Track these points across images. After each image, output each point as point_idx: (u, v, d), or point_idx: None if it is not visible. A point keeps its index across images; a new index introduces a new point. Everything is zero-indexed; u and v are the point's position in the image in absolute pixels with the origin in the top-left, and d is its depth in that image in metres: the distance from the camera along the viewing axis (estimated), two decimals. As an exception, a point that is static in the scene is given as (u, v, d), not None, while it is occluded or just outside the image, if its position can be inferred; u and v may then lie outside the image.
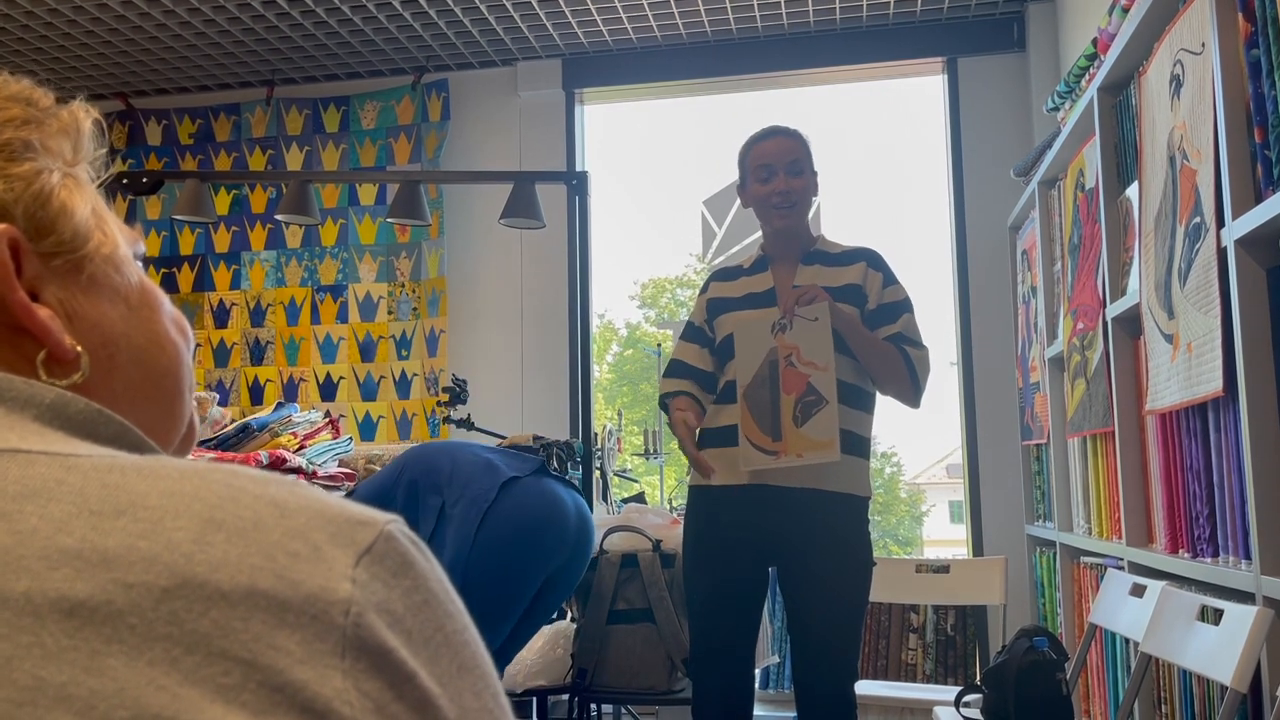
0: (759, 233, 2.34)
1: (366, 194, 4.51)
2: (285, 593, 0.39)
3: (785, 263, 2.25)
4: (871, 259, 2.21)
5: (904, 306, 2.18)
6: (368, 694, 0.39)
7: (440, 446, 2.55)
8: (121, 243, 0.57)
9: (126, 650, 0.36)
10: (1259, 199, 1.61)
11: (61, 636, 0.36)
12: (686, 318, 2.40)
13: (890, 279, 2.20)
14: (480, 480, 2.37)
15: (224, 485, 0.42)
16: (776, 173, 2.21)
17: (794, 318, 2.07)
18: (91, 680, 0.35)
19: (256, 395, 4.47)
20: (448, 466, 2.42)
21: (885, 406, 2.23)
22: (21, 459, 0.42)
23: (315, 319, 4.50)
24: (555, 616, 3.30)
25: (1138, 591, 2.06)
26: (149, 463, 0.43)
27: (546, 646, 2.97)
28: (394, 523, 0.44)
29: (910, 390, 2.15)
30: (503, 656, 2.54)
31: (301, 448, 2.82)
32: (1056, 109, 3.11)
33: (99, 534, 0.38)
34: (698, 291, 2.39)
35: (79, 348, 0.51)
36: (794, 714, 2.20)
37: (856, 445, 2.15)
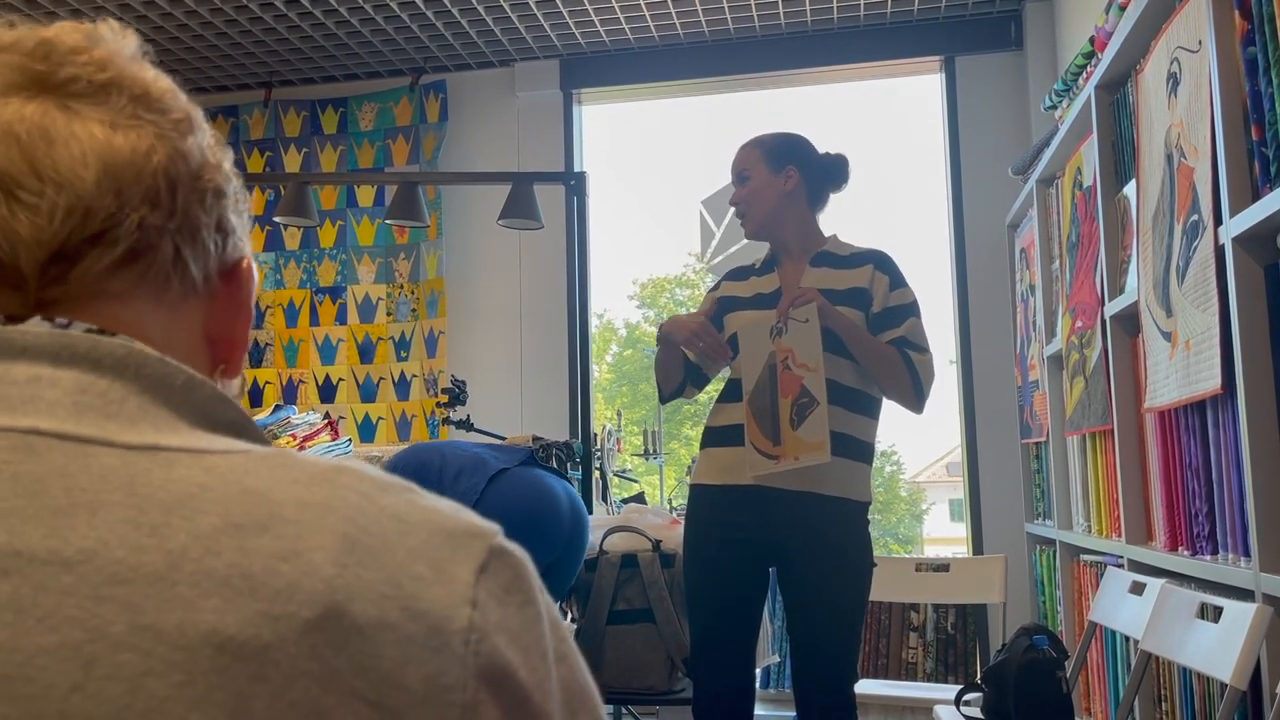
0: None
1: (365, 195, 4.51)
2: (410, 627, 0.40)
3: (793, 263, 2.25)
4: (880, 262, 2.19)
5: (910, 310, 2.16)
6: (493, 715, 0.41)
7: (431, 445, 2.58)
8: None
9: (270, 691, 0.37)
10: (1256, 196, 1.61)
11: (212, 675, 0.36)
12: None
13: (898, 282, 2.18)
14: (469, 475, 2.39)
15: (353, 493, 0.43)
16: (735, 187, 2.27)
17: (788, 320, 2.07)
18: None
19: (255, 397, 4.47)
20: (437, 463, 2.44)
21: (886, 406, 2.23)
22: (162, 458, 0.42)
23: (314, 320, 4.50)
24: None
25: (1137, 589, 2.06)
26: (277, 461, 0.44)
27: (547, 647, 2.96)
28: (499, 534, 0.46)
29: (912, 395, 2.13)
30: None
31: (300, 449, 2.82)
32: (1054, 107, 3.11)
33: (244, 555, 0.39)
34: (707, 290, 2.40)
35: (244, 371, 0.57)
36: (795, 714, 2.19)
37: (856, 449, 2.13)
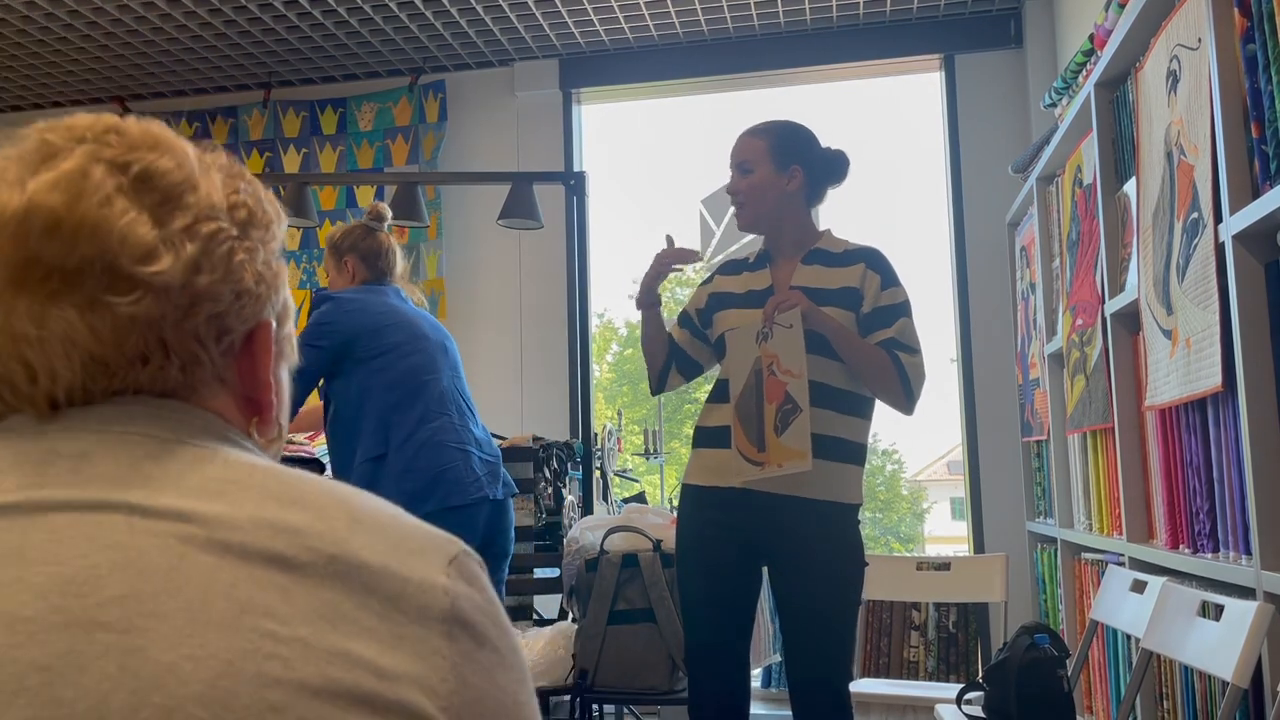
0: None
1: (364, 195, 4.51)
2: (406, 574, 0.55)
3: (785, 260, 2.23)
4: (871, 260, 2.16)
5: (901, 310, 2.13)
6: (459, 649, 0.55)
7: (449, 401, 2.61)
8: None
9: (307, 588, 0.52)
10: (1256, 194, 1.60)
11: (265, 574, 0.52)
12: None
13: (890, 281, 2.15)
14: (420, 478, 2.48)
15: (358, 496, 0.59)
16: (733, 174, 2.23)
17: (773, 326, 2.06)
18: (284, 605, 0.51)
19: (256, 398, 4.47)
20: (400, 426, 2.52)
21: (882, 404, 2.22)
22: (220, 456, 0.59)
23: (314, 321, 4.49)
24: (555, 617, 3.30)
25: (1138, 587, 2.06)
26: (300, 473, 0.60)
27: (548, 647, 2.97)
28: (463, 544, 0.60)
29: (902, 397, 2.11)
30: None
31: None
32: (1054, 105, 3.11)
33: (284, 512, 0.55)
34: (700, 284, 2.39)
35: (282, 421, 0.69)
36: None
37: (845, 451, 2.12)
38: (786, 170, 2.20)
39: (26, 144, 0.60)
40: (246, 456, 0.59)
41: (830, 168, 2.26)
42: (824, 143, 2.28)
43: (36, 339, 0.57)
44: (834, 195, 2.33)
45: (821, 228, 2.30)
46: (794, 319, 2.04)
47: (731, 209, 2.30)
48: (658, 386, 2.35)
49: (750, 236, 2.33)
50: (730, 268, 2.32)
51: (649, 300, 2.24)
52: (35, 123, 0.63)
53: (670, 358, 2.30)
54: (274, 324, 0.66)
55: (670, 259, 2.19)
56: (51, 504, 0.53)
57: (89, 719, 0.46)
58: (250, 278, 0.63)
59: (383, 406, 2.45)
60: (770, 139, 2.21)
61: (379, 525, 0.57)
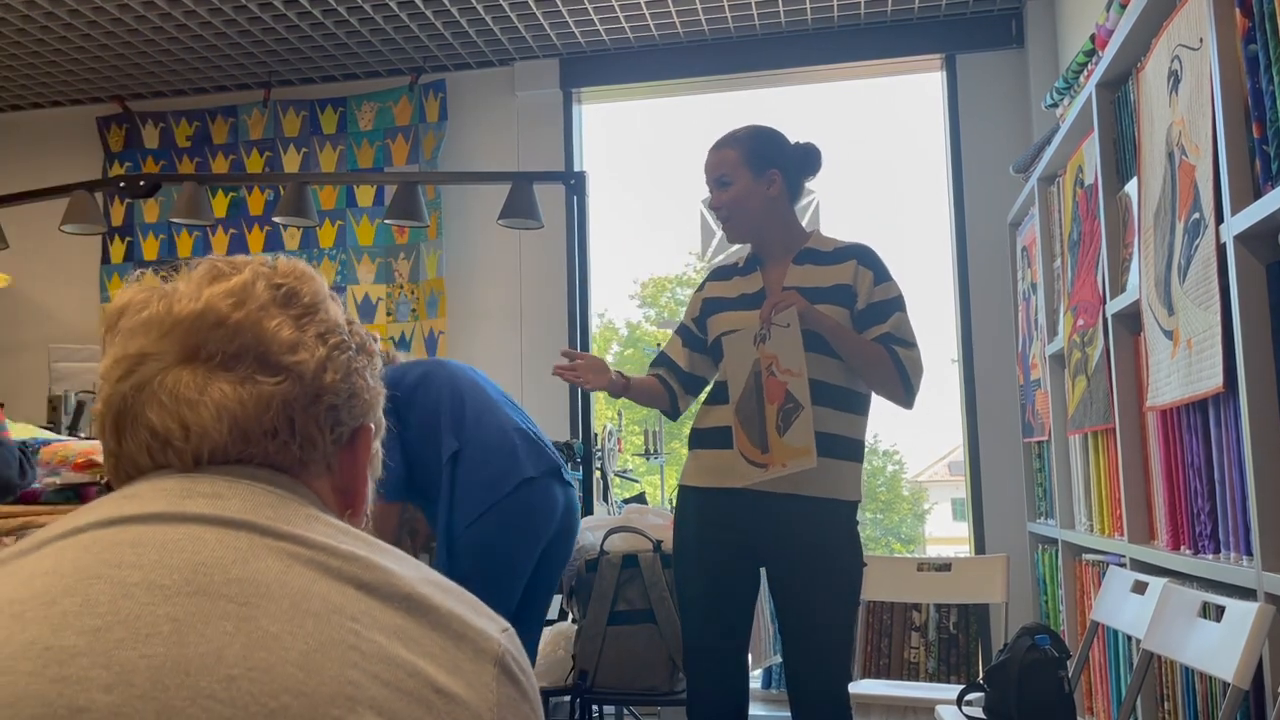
0: None
1: (364, 195, 4.51)
2: (467, 622, 0.67)
3: (776, 262, 2.23)
4: (862, 256, 2.16)
5: (895, 305, 2.13)
6: (505, 691, 0.65)
7: (472, 387, 2.57)
8: None
9: (386, 612, 0.63)
10: (1258, 194, 1.60)
11: (352, 592, 0.64)
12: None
13: (882, 276, 2.15)
14: (498, 463, 2.45)
15: (425, 569, 0.70)
16: (711, 189, 2.23)
17: (770, 326, 2.06)
18: (366, 616, 0.62)
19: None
20: (473, 420, 2.48)
21: (887, 405, 2.22)
22: (323, 517, 0.71)
23: (314, 321, 4.49)
24: (556, 617, 3.29)
25: (1139, 589, 2.05)
26: (387, 545, 0.72)
27: (548, 648, 2.96)
28: (506, 623, 0.71)
29: (901, 391, 2.11)
30: None
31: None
32: (1055, 105, 3.10)
33: (373, 555, 0.67)
34: (694, 291, 2.39)
35: (368, 514, 0.82)
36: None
37: (844, 448, 2.12)
38: (764, 175, 2.19)
39: (197, 270, 0.77)
40: (342, 524, 0.72)
41: (804, 162, 2.25)
42: (825, 143, 2.29)
43: (197, 403, 0.71)
44: (835, 194, 2.34)
45: (822, 228, 2.30)
46: (791, 318, 2.04)
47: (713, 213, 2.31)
48: (675, 415, 2.37)
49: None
50: (720, 273, 2.32)
51: (617, 388, 2.23)
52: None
53: (671, 391, 2.30)
54: (374, 429, 0.81)
55: (575, 372, 2.18)
56: (191, 516, 0.66)
57: (207, 660, 0.57)
58: (361, 385, 0.79)
59: (438, 425, 2.49)
60: (741, 148, 2.20)
61: (448, 587, 0.69)
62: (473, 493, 2.41)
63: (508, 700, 0.65)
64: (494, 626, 0.69)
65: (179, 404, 0.71)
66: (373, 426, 0.81)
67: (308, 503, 0.72)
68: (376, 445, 0.83)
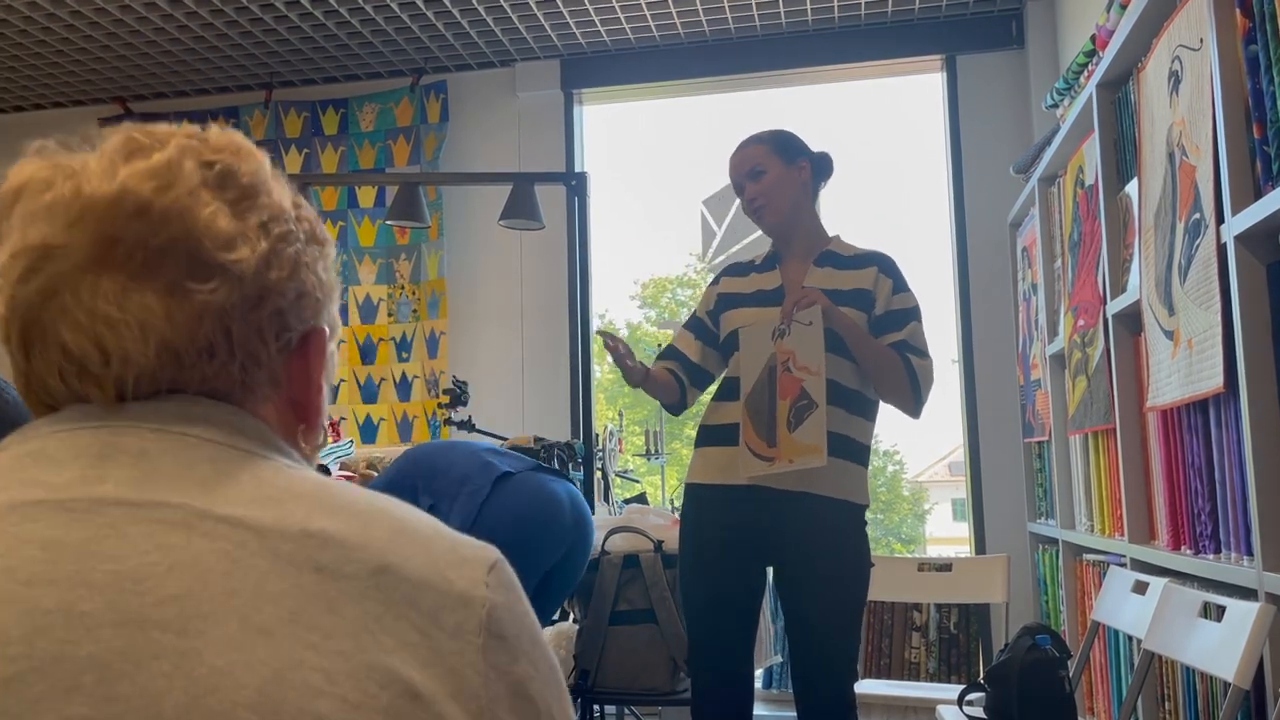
0: (760, 231, 2.34)
1: (366, 196, 4.51)
2: (444, 588, 0.57)
3: (796, 262, 2.24)
4: (883, 264, 2.19)
5: (912, 314, 2.16)
6: (494, 664, 0.57)
7: (438, 446, 2.58)
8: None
9: (350, 599, 0.54)
10: (1258, 195, 1.60)
11: (313, 584, 0.54)
12: (687, 317, 2.42)
13: (901, 286, 2.18)
14: (475, 477, 2.41)
15: (400, 509, 0.61)
16: (743, 186, 2.25)
17: (791, 323, 2.07)
18: (329, 616, 0.53)
19: (257, 398, 4.47)
20: (444, 465, 2.46)
21: (888, 406, 2.22)
22: (271, 465, 0.61)
23: (315, 321, 4.49)
24: (557, 617, 3.29)
25: (1140, 589, 2.05)
26: (345, 484, 0.63)
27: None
28: (499, 553, 0.62)
29: (910, 399, 2.12)
30: None
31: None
32: (1056, 106, 3.11)
33: (331, 523, 0.57)
34: (707, 284, 2.40)
35: (327, 427, 0.70)
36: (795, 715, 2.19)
37: (854, 451, 2.13)
38: (794, 163, 2.25)
39: (110, 142, 0.63)
40: (296, 469, 0.62)
41: (823, 163, 2.32)
42: (825, 144, 2.34)
43: (118, 321, 0.59)
44: (837, 195, 2.35)
45: (825, 229, 2.31)
46: (814, 316, 2.04)
47: (734, 207, 2.31)
48: (680, 409, 2.37)
49: (752, 237, 2.34)
50: (736, 269, 2.33)
51: (637, 378, 2.23)
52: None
53: (681, 384, 2.30)
54: (327, 331, 0.69)
55: (616, 357, 2.21)
56: (112, 500, 0.55)
57: (143, 717, 0.47)
58: (311, 282, 0.67)
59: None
60: (770, 142, 2.26)
61: (421, 538, 0.59)
62: (454, 517, 2.38)
63: (498, 672, 0.56)
64: (477, 571, 0.59)
65: (96, 322, 0.59)
66: (326, 329, 0.69)
67: (253, 446, 0.61)
68: (332, 349, 0.71)
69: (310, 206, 0.71)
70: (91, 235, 0.59)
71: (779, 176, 2.22)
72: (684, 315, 13.75)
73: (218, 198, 0.62)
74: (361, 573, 0.55)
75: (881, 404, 2.20)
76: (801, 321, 2.05)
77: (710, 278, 2.38)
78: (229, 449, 0.60)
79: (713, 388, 2.33)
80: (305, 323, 0.67)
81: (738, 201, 2.33)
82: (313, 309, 0.67)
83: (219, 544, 0.53)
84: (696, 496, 2.19)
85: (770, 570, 2.22)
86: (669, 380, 2.29)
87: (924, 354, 2.14)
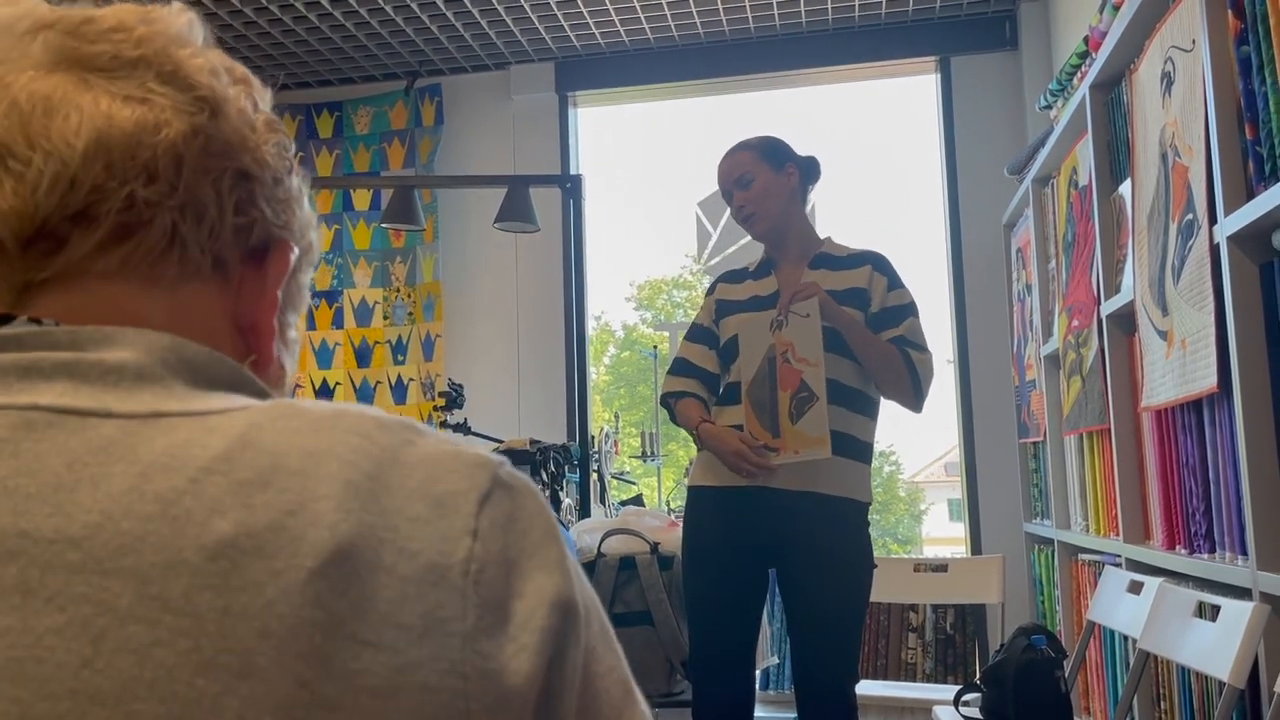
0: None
1: (361, 199, 4.51)
2: (406, 567, 0.40)
3: (790, 266, 2.25)
4: (877, 262, 2.20)
5: (908, 310, 2.17)
6: (483, 653, 0.40)
7: None
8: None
9: (275, 646, 0.38)
10: (1250, 195, 1.61)
11: (218, 639, 0.37)
12: (682, 319, 2.41)
13: (896, 283, 2.19)
14: None
15: (355, 436, 0.44)
16: (731, 194, 2.26)
17: (789, 314, 2.07)
18: (243, 686, 0.37)
19: (253, 402, 4.46)
20: None
21: (884, 406, 2.23)
22: (164, 424, 0.42)
23: (310, 325, 4.49)
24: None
25: (1135, 588, 2.06)
26: (278, 412, 0.44)
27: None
28: (504, 464, 0.46)
29: (911, 394, 2.14)
30: None
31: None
32: (1049, 107, 3.11)
33: (250, 513, 0.40)
34: (704, 293, 2.40)
35: (284, 364, 0.56)
36: (794, 715, 2.19)
37: (857, 449, 2.13)
38: (783, 169, 2.25)
39: None
40: (214, 422, 0.43)
41: (811, 167, 2.33)
42: (820, 145, 2.33)
43: (56, 108, 0.47)
44: (831, 196, 2.36)
45: (819, 230, 2.32)
46: (811, 308, 2.04)
47: (727, 214, 2.31)
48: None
49: (746, 239, 2.34)
50: (731, 276, 2.33)
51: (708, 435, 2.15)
52: None
53: (706, 405, 2.25)
54: (297, 251, 0.56)
55: (751, 469, 2.08)
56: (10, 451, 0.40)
57: None
58: (296, 185, 0.56)
59: None
60: (757, 148, 2.26)
61: (385, 487, 0.43)
62: None
63: (496, 667, 0.40)
64: (464, 506, 0.43)
65: (34, 104, 0.47)
66: (296, 249, 0.56)
67: (165, 376, 0.45)
68: (304, 278, 0.59)
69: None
70: (52, 49, 0.49)
71: (767, 183, 2.22)
72: (680, 317, 13.73)
73: (202, 54, 0.55)
74: (293, 586, 0.40)
75: (882, 402, 2.20)
76: (799, 313, 2.05)
77: (706, 279, 2.38)
78: (141, 363, 0.45)
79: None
80: (277, 222, 0.54)
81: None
82: (290, 215, 0.56)
83: (56, 610, 0.38)
84: (699, 499, 2.19)
85: (772, 571, 2.22)
86: (701, 408, 2.23)
87: (923, 349, 2.15)
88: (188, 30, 0.55)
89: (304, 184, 0.59)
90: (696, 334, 2.32)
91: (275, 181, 0.54)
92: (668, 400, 2.29)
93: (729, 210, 2.30)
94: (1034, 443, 3.51)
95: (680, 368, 2.31)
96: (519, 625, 0.42)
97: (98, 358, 0.44)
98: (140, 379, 0.44)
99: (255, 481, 0.41)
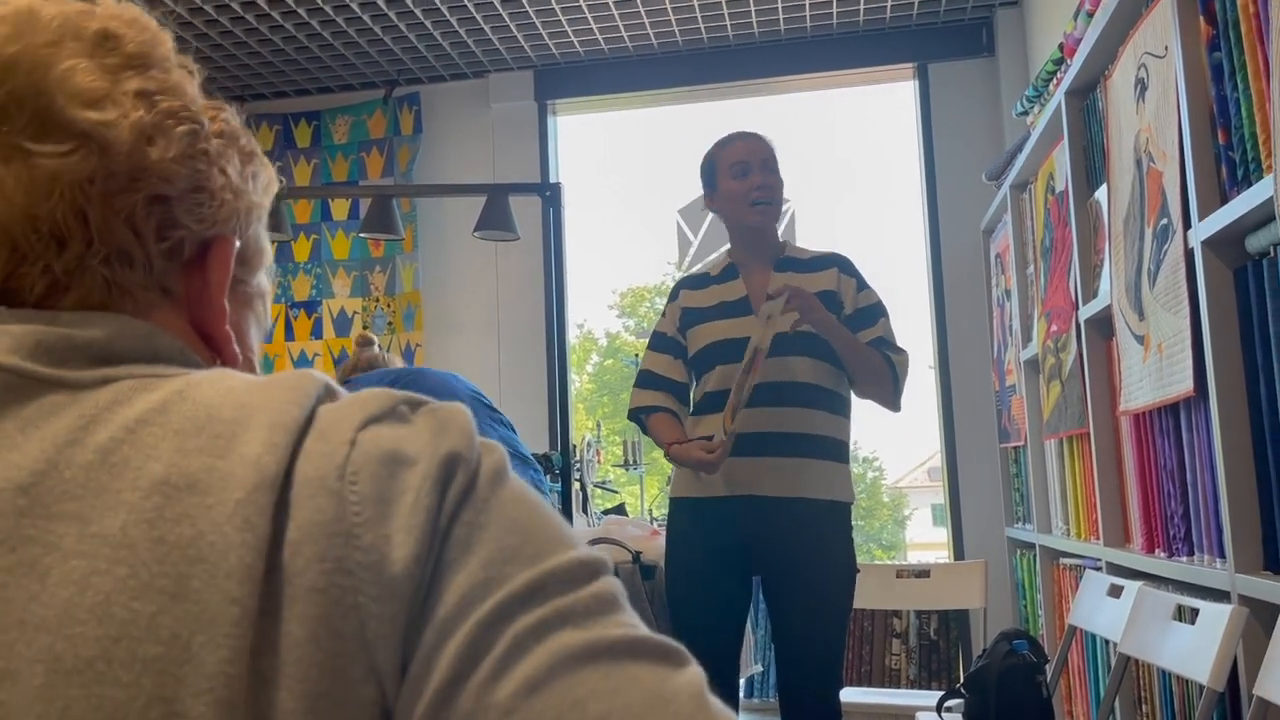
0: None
1: (339, 209, 4.49)
2: (304, 488, 0.43)
3: (756, 269, 2.23)
4: (843, 264, 2.21)
5: (880, 310, 2.19)
6: (364, 546, 0.43)
7: (447, 390, 2.61)
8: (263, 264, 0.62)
9: (207, 568, 0.41)
10: (1224, 200, 1.62)
11: (154, 565, 0.41)
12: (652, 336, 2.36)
13: (863, 284, 2.21)
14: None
15: (284, 389, 0.47)
16: (752, 169, 2.18)
17: (774, 316, 2.04)
18: (177, 607, 0.40)
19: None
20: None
21: (867, 411, 2.24)
22: (109, 389, 0.46)
23: (289, 336, 4.47)
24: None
25: (1115, 592, 2.06)
26: (217, 375, 0.48)
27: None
28: (413, 399, 0.48)
29: (891, 393, 2.16)
30: None
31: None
32: (1026, 113, 3.13)
33: (183, 455, 0.43)
34: (666, 300, 2.35)
35: (251, 360, 0.59)
36: (777, 723, 2.18)
37: (837, 450, 2.14)
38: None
39: None
40: (139, 403, 0.46)
41: None
42: (803, 153, 2.33)
43: None
44: (810, 203, 2.37)
45: (798, 237, 2.32)
46: (773, 310, 1.98)
47: (710, 217, 2.31)
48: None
49: (728, 244, 2.31)
50: (693, 282, 2.29)
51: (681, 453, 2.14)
52: None
53: (679, 418, 2.23)
54: (237, 243, 0.55)
55: (704, 462, 2.05)
56: None
57: None
58: (218, 183, 0.53)
59: None
60: (772, 145, 2.27)
61: (301, 428, 0.46)
62: None
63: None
64: (352, 422, 0.46)
65: None
66: (237, 241, 0.55)
67: (126, 356, 0.48)
68: (259, 281, 0.59)
69: (234, 114, 0.59)
70: None
71: (780, 180, 2.24)
72: (661, 327, 13.69)
73: (88, 56, 0.49)
74: (222, 514, 0.44)
75: (853, 402, 2.21)
76: (763, 314, 2.01)
77: (672, 293, 2.34)
78: (54, 385, 0.46)
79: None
80: (204, 224, 0.53)
81: (710, 216, 2.31)
82: (216, 210, 0.53)
83: (7, 551, 0.42)
84: (681, 509, 2.18)
85: (756, 580, 2.21)
86: (674, 423, 2.21)
87: (899, 348, 2.18)
88: (55, 37, 0.49)
89: (234, 141, 0.57)
90: (661, 343, 2.26)
91: (194, 189, 0.52)
92: (638, 415, 2.25)
93: (711, 216, 2.28)
94: (1015, 447, 3.53)
95: (647, 380, 2.26)
96: (403, 511, 0.43)
97: (67, 332, 0.47)
98: (103, 355, 0.48)
99: (189, 430, 0.44)
